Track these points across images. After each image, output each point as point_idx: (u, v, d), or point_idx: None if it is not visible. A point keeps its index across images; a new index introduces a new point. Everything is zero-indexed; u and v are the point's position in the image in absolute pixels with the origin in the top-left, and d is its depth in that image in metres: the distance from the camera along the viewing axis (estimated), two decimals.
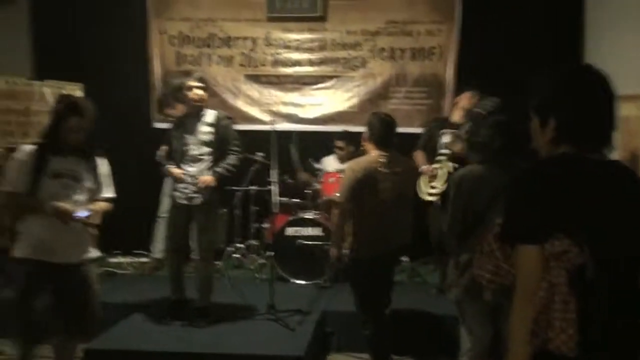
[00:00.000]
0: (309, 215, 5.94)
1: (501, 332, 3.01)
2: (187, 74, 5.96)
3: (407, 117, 6.93)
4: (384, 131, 4.07)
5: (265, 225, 6.42)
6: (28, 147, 3.53)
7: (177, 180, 4.66)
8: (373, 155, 4.03)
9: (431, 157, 5.43)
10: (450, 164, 5.17)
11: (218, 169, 4.66)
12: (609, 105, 1.84)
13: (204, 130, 4.68)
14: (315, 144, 6.77)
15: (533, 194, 1.74)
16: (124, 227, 6.89)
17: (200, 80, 4.78)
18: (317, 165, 6.32)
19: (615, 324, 1.70)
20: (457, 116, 5.39)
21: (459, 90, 5.96)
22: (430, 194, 5.28)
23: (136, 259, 6.77)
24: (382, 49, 7.00)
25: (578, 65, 1.94)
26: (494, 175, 3.09)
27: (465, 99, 5.31)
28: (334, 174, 5.99)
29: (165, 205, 6.04)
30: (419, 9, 6.94)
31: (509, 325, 1.73)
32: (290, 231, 5.85)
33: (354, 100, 7.07)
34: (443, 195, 5.21)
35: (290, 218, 5.93)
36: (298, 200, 6.27)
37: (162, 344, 4.26)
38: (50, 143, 3.51)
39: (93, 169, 3.66)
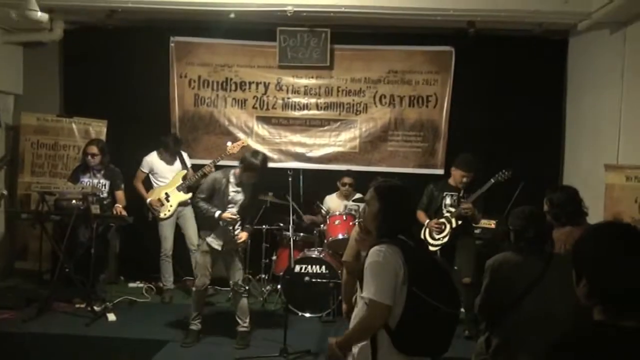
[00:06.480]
0: (315, 254, 6.24)
1: None
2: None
3: (404, 158, 7.27)
4: None
5: (274, 257, 6.67)
6: None
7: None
8: None
9: (432, 215, 5.73)
10: (454, 220, 5.55)
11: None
12: None
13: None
14: (317, 181, 7.06)
15: None
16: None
17: None
18: (323, 208, 6.64)
19: None
20: (453, 182, 5.71)
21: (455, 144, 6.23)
22: (433, 245, 5.60)
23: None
24: (383, 96, 7.28)
25: (622, 226, 1.73)
26: (530, 264, 3.10)
27: (459, 177, 5.61)
28: (339, 217, 6.25)
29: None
30: (417, 60, 7.22)
31: None
32: (298, 268, 6.07)
33: (356, 142, 7.35)
34: (442, 247, 5.59)
35: (298, 256, 6.16)
36: (306, 234, 6.59)
37: None
38: None
39: None
